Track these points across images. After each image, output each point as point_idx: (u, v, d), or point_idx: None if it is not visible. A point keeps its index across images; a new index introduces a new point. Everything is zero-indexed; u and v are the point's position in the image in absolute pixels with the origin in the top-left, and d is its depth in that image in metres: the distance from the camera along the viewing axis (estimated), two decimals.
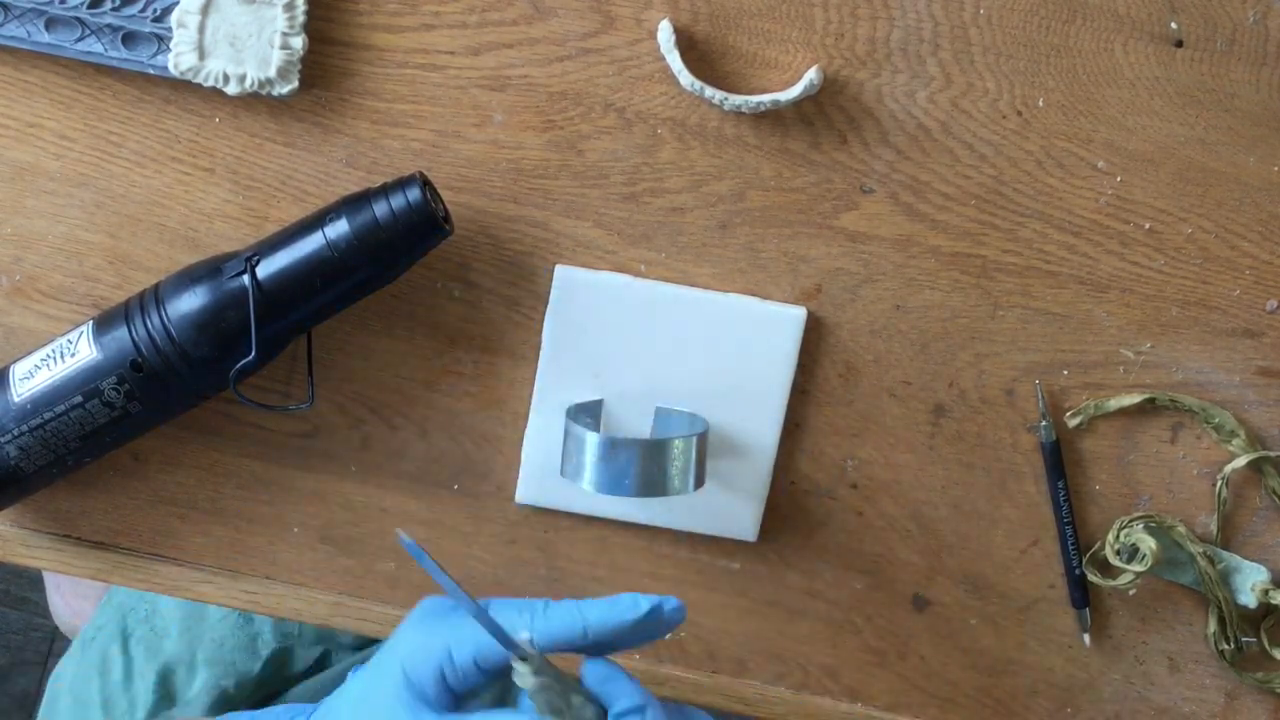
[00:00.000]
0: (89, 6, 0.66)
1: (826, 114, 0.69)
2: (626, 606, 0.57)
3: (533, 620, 0.57)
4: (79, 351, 0.65)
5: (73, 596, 1.12)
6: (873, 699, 0.76)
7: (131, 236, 0.70)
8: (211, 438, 0.73)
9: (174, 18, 0.66)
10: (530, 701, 0.56)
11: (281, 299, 0.64)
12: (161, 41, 0.67)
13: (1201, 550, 0.72)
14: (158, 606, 0.92)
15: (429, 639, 0.59)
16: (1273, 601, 0.72)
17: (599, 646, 0.58)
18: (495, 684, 0.60)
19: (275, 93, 0.67)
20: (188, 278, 0.65)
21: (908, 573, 0.75)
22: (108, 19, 0.66)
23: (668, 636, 0.73)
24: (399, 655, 0.59)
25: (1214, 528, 0.73)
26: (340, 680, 0.82)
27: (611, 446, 0.66)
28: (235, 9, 0.66)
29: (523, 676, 0.55)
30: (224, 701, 0.90)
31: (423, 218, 0.64)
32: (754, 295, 0.71)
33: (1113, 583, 0.72)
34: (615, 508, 0.72)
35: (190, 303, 0.64)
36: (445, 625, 0.59)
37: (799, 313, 0.71)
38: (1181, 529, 0.72)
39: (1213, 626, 0.74)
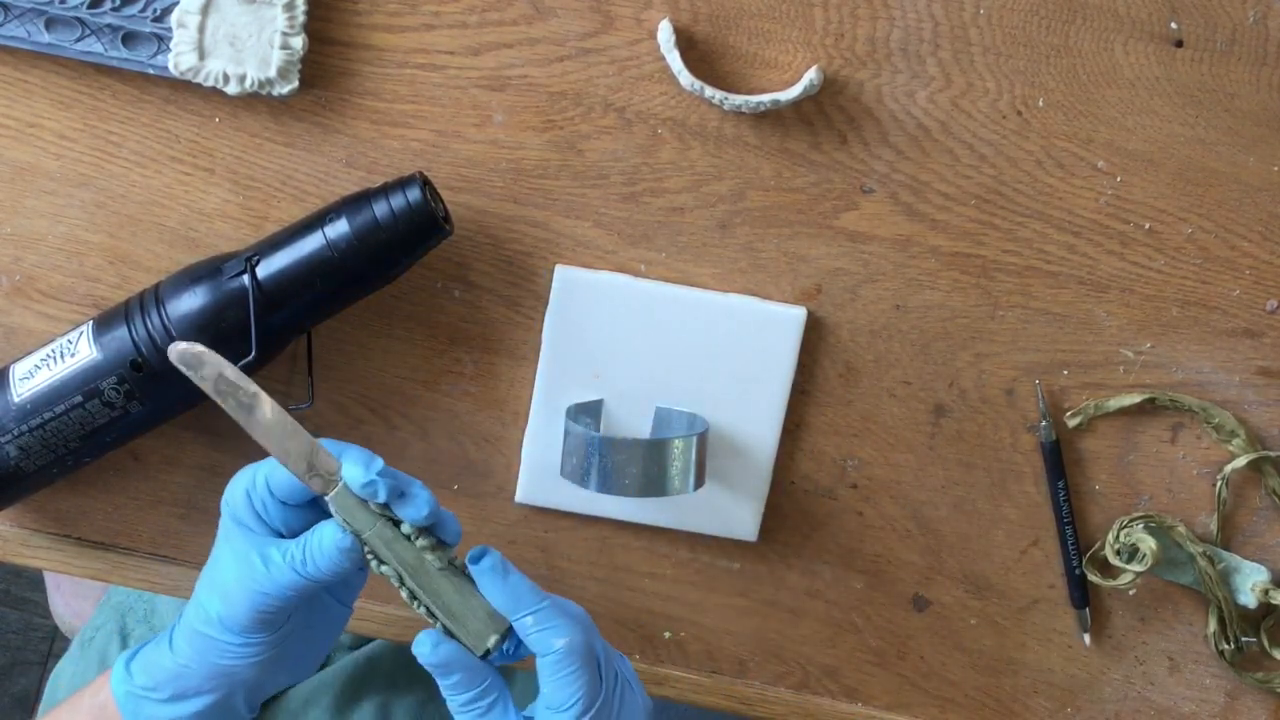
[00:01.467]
0: (89, 6, 0.66)
1: (826, 114, 0.69)
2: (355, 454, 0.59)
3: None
4: (79, 351, 0.65)
5: (73, 596, 1.12)
6: (873, 699, 0.76)
7: (131, 236, 0.70)
8: (211, 438, 0.73)
9: (174, 18, 0.66)
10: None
11: (281, 299, 0.64)
12: (161, 41, 0.67)
13: (1201, 550, 0.72)
14: (157, 606, 0.92)
15: (246, 469, 0.61)
16: (1273, 601, 0.72)
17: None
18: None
19: (275, 93, 0.67)
20: (188, 278, 0.65)
21: (908, 573, 0.75)
22: (108, 19, 0.66)
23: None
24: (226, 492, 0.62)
25: (1214, 528, 0.73)
26: (339, 676, 0.82)
27: (611, 446, 0.66)
28: (235, 9, 0.66)
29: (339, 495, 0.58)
30: None
31: (423, 218, 0.64)
32: (754, 295, 0.71)
33: (1113, 583, 0.72)
34: (615, 508, 0.72)
35: (190, 303, 0.64)
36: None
37: (799, 313, 0.71)
38: (1181, 529, 0.72)
39: (1213, 626, 0.74)
